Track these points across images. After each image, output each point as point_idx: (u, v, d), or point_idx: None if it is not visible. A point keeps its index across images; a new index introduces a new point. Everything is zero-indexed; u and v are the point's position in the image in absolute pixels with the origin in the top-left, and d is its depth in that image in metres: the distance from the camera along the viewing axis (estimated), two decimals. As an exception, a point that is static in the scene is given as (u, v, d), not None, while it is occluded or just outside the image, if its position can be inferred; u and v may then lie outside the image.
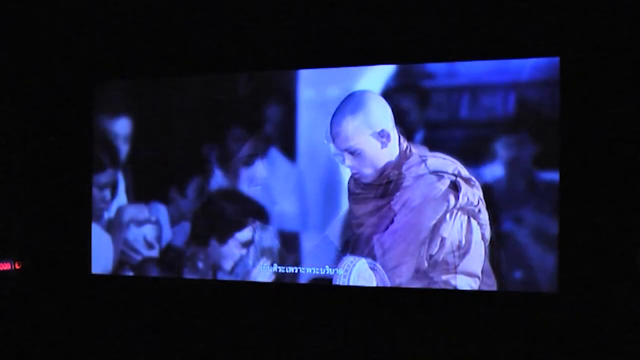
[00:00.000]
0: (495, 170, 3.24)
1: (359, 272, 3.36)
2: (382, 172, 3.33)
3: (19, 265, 3.82)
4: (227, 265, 3.62)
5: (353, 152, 3.34)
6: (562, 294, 3.15)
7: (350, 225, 3.42)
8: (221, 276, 3.65)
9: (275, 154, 3.57)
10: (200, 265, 3.67)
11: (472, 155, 3.27)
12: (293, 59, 3.58)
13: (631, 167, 3.11)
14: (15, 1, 3.80)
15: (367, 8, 3.48)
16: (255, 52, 3.66)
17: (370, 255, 3.36)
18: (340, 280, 3.41)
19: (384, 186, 3.34)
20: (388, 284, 3.32)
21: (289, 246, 3.53)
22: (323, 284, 3.45)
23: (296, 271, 3.50)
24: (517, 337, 3.26)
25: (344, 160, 3.37)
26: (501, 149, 3.23)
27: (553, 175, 3.15)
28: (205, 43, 3.74)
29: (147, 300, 3.84)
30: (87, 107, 3.91)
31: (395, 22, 3.45)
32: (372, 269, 3.34)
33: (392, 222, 3.32)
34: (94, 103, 3.89)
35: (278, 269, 3.53)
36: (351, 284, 3.38)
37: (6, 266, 3.76)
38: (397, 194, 3.32)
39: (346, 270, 3.38)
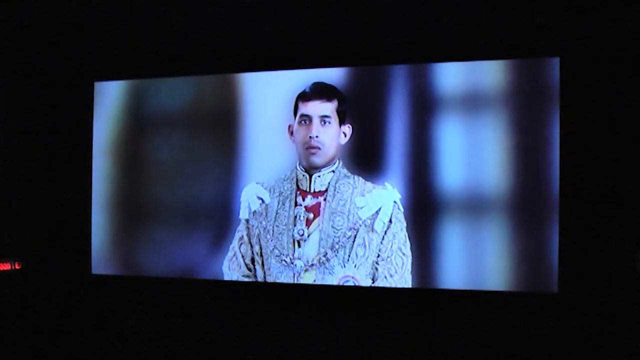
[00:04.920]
0: (494, 168, 3.24)
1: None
2: None
3: (19, 265, 3.81)
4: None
5: None
6: (562, 294, 3.15)
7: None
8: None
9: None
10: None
11: (472, 151, 3.27)
12: (293, 59, 3.59)
13: (631, 166, 3.12)
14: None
15: (367, 8, 3.49)
16: (255, 52, 3.67)
17: None
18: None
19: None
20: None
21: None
22: (323, 285, 3.45)
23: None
24: (517, 337, 3.26)
25: None
26: (500, 146, 3.23)
27: (553, 175, 3.15)
28: (205, 43, 3.76)
29: (147, 300, 3.85)
30: (86, 106, 3.91)
31: (395, 22, 3.46)
32: None
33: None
34: (93, 102, 3.89)
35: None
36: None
37: (6, 266, 3.76)
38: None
39: None
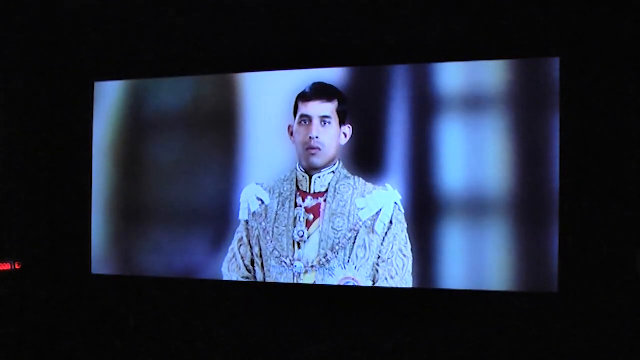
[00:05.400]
0: (494, 168, 3.24)
1: None
2: None
3: (19, 265, 3.81)
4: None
5: None
6: (562, 294, 3.15)
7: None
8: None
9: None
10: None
11: (472, 152, 3.27)
12: (293, 59, 3.59)
13: (631, 167, 3.12)
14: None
15: (367, 8, 3.49)
16: (255, 52, 3.67)
17: None
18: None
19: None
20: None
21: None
22: (323, 285, 3.44)
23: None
24: (517, 337, 3.26)
25: None
26: (500, 146, 3.23)
27: (553, 175, 3.16)
28: (205, 43, 3.76)
29: (147, 300, 3.85)
30: (86, 106, 3.90)
31: (394, 22, 3.46)
32: None
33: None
34: (93, 102, 3.89)
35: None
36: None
37: (6, 266, 3.76)
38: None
39: None
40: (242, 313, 3.70)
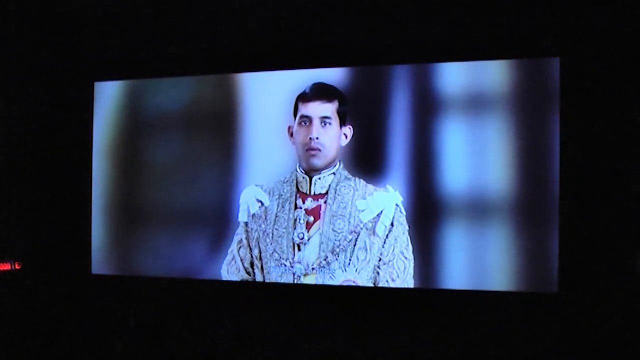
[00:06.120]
0: (494, 169, 3.24)
1: None
2: None
3: (19, 265, 3.82)
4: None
5: None
6: (562, 294, 3.15)
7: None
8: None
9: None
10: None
11: (472, 152, 3.27)
12: (293, 59, 3.58)
13: (631, 167, 3.12)
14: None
15: (367, 8, 3.49)
16: (255, 52, 3.67)
17: None
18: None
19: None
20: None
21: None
22: (324, 285, 3.45)
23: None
24: (517, 337, 3.27)
25: None
26: (500, 146, 3.23)
27: (553, 175, 3.16)
28: (205, 43, 3.76)
29: (147, 300, 3.85)
30: (86, 106, 3.90)
31: (395, 22, 3.46)
32: None
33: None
34: (93, 102, 3.88)
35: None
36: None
37: (6, 266, 3.76)
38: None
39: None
40: (242, 313, 3.70)
